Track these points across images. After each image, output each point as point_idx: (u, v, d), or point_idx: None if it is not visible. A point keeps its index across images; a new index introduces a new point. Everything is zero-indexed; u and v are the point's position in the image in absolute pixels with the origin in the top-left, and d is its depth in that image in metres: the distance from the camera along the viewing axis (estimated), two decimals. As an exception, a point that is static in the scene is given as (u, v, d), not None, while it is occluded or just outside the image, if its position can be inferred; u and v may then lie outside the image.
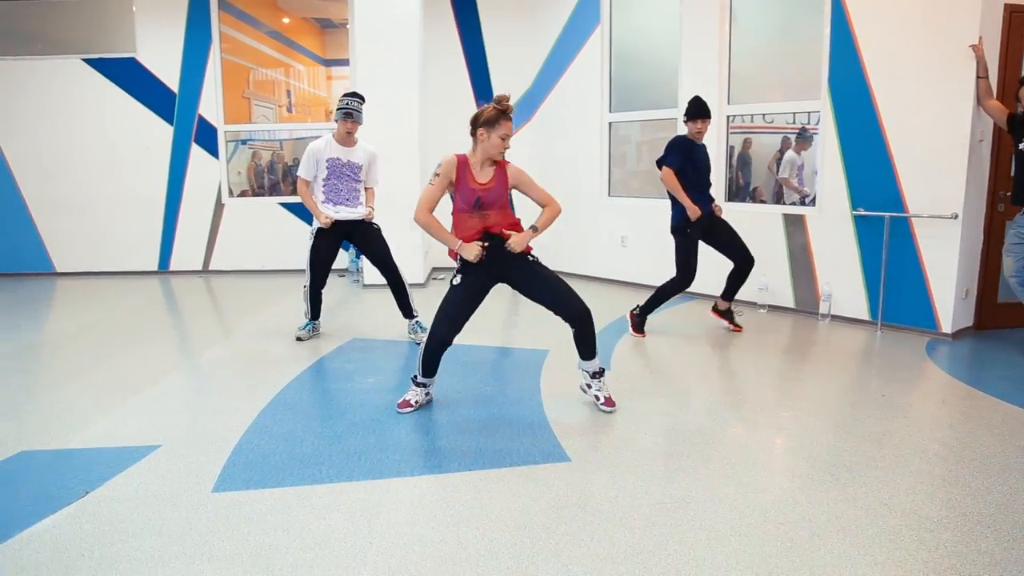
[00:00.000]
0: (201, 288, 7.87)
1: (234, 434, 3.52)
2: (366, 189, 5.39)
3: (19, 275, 8.59)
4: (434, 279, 7.98)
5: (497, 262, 3.70)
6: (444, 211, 3.83)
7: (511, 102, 3.66)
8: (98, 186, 8.51)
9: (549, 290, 3.70)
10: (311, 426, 3.65)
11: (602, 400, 3.84)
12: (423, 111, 7.57)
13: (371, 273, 7.18)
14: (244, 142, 9.48)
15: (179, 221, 8.60)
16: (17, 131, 8.43)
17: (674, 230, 5.26)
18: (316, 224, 5.23)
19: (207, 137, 8.45)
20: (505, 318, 6.14)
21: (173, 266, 8.68)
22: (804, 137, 7.29)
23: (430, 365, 3.80)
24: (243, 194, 8.98)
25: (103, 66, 8.33)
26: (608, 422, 3.67)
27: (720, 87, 6.46)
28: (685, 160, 5.13)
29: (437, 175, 3.70)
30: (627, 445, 3.38)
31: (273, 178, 9.44)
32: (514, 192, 3.85)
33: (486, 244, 3.66)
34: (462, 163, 3.70)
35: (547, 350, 4.97)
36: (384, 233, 5.41)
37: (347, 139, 5.17)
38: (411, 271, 7.13)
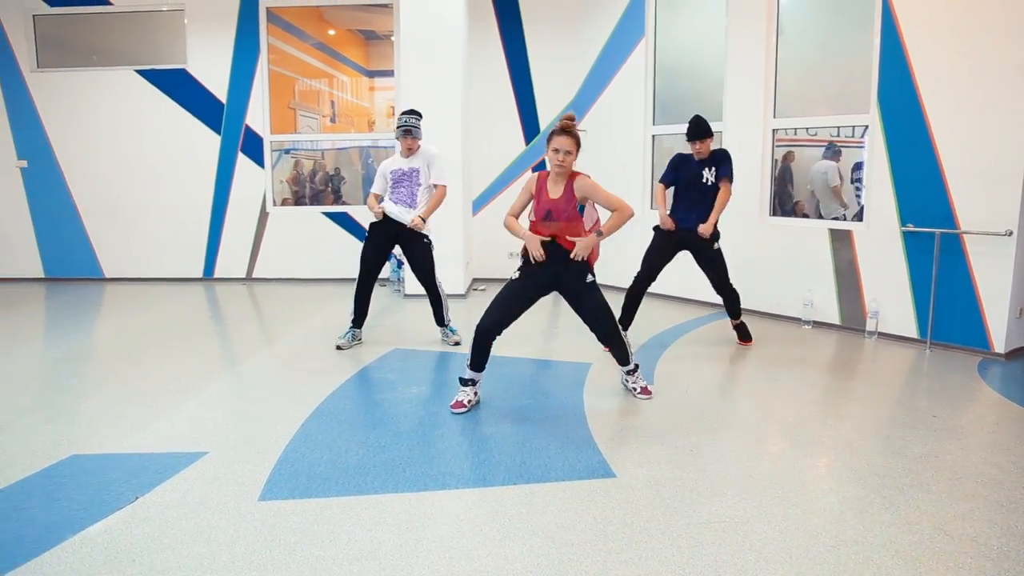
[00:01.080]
0: (244, 295, 7.99)
1: (279, 443, 3.56)
2: (435, 187, 5.47)
3: (70, 280, 8.82)
4: (475, 290, 8.00)
5: (556, 268, 3.98)
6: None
7: (575, 121, 4.02)
8: (147, 194, 8.71)
9: (590, 312, 4.11)
10: (355, 436, 3.67)
11: (638, 390, 4.27)
12: (466, 122, 7.61)
13: (412, 283, 7.22)
14: (288, 151, 9.66)
15: (224, 229, 8.75)
16: (72, 140, 8.67)
17: (654, 227, 5.43)
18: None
19: (253, 147, 8.58)
20: (546, 329, 6.13)
21: (218, 273, 8.83)
22: (833, 151, 7.20)
23: (477, 356, 3.99)
24: (284, 202, 9.11)
25: (155, 77, 8.53)
26: (653, 439, 3.64)
27: (766, 100, 6.40)
28: (675, 175, 5.35)
29: (523, 189, 4.14)
30: (672, 462, 3.34)
31: (315, 187, 9.57)
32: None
33: (546, 241, 3.96)
34: (541, 179, 4.03)
35: (590, 363, 4.95)
36: (430, 247, 5.52)
37: (408, 154, 5.39)
38: (452, 282, 7.16)
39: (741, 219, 6.63)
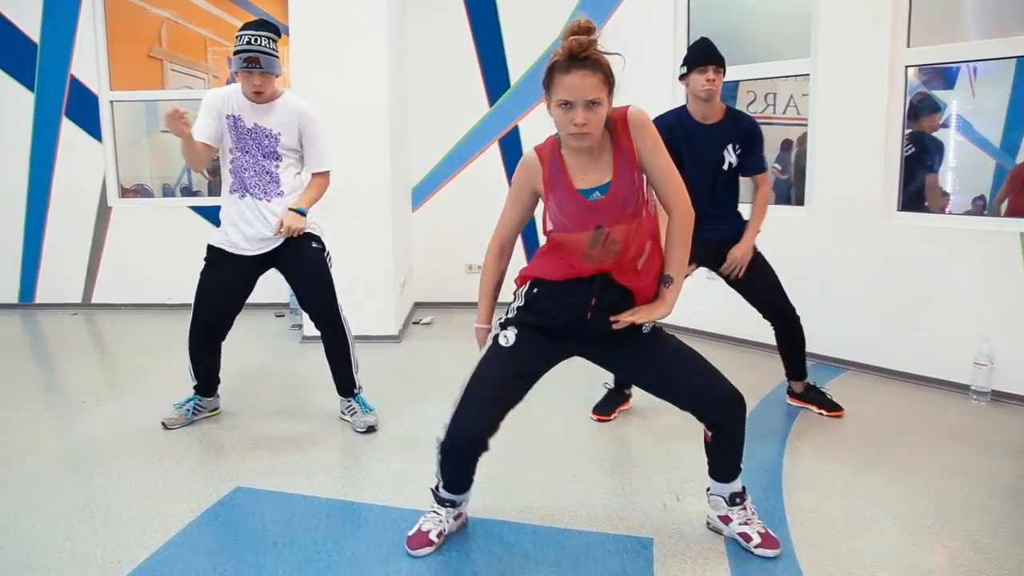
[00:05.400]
0: (78, 329, 5.25)
1: None
2: (313, 176, 3.22)
3: None
4: (416, 323, 5.30)
5: (588, 329, 2.14)
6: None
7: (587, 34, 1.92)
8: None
9: (675, 375, 2.18)
10: None
11: (756, 539, 2.21)
12: (395, 74, 4.93)
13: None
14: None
15: (47, 232, 5.89)
16: None
17: None
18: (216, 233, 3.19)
19: (83, 108, 5.73)
20: (557, 466, 3.46)
21: (40, 297, 5.97)
22: (926, 106, 4.63)
23: (456, 476, 2.24)
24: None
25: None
26: None
27: (896, 22, 3.81)
28: (676, 152, 2.74)
29: (511, 184, 2.21)
30: None
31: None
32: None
33: (593, 303, 2.10)
34: (550, 159, 2.08)
35: (651, 539, 2.31)
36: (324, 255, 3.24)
37: (259, 100, 3.03)
38: (378, 318, 4.51)
39: (848, 218, 4.06)
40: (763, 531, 2.24)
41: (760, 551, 2.20)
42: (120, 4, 5.99)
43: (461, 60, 5.66)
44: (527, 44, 5.59)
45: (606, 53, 1.94)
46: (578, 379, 3.67)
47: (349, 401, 3.30)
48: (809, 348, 3.41)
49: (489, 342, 2.19)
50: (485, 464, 2.21)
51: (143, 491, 2.64)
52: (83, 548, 2.24)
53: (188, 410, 3.27)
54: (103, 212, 5.89)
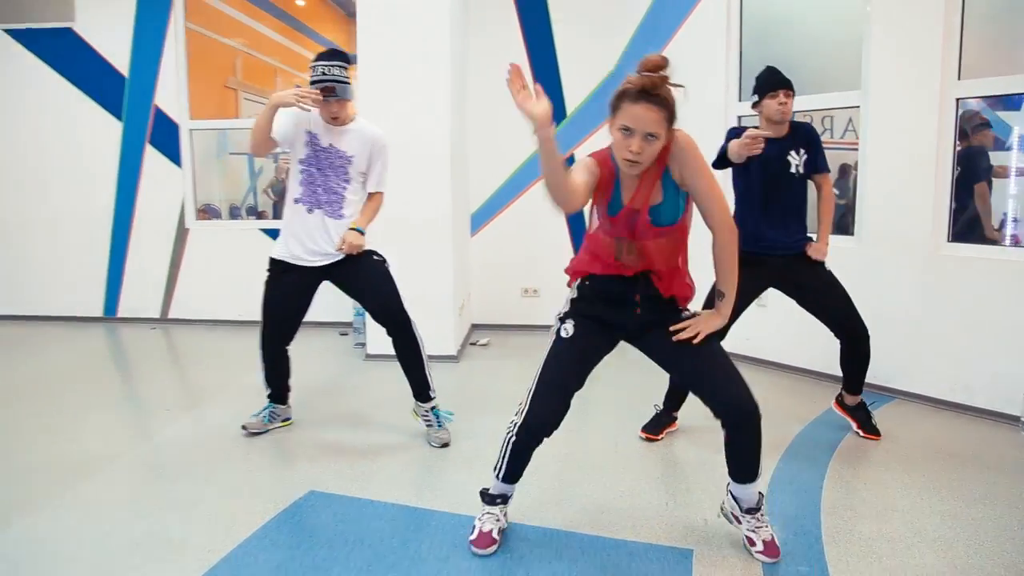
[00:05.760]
0: (156, 343, 5.63)
1: None
2: (370, 196, 3.46)
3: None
4: (473, 345, 5.52)
5: (635, 319, 2.40)
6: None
7: (659, 71, 2.14)
8: (26, 203, 6.29)
9: (710, 370, 2.34)
10: None
11: (759, 546, 2.39)
12: (458, 105, 5.18)
13: (377, 338, 4.78)
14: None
15: (129, 251, 6.31)
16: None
17: None
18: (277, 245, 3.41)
19: (166, 136, 6.14)
20: (576, 475, 3.63)
21: (122, 312, 6.38)
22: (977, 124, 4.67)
23: (515, 463, 2.45)
24: (261, 216, 6.83)
25: (31, 39, 6.12)
26: None
27: (946, 51, 3.91)
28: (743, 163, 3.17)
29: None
30: None
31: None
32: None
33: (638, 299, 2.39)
34: (608, 167, 2.29)
35: (691, 550, 2.46)
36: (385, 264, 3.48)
37: (333, 122, 3.28)
38: (437, 339, 4.71)
39: (897, 247, 4.14)
40: (768, 539, 2.39)
41: (760, 557, 2.37)
42: (199, 38, 6.42)
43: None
44: (583, 74, 5.80)
45: (672, 85, 2.13)
46: (630, 400, 3.84)
47: (427, 412, 3.47)
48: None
49: (552, 336, 2.43)
50: (540, 477, 2.41)
51: (227, 490, 2.90)
52: (179, 538, 2.50)
53: (264, 417, 3.53)
54: (181, 233, 6.27)
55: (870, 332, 3.38)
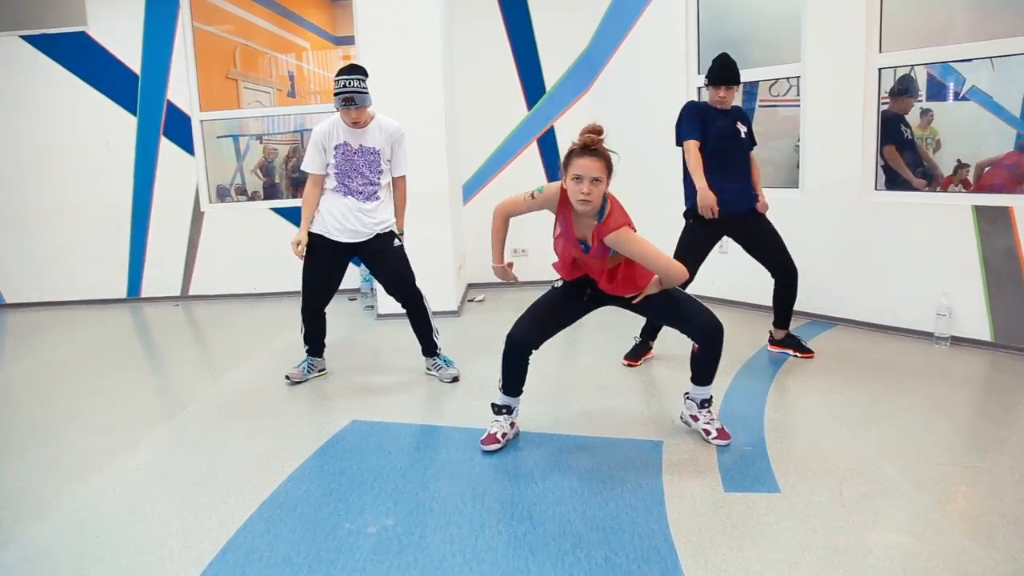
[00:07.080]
0: (178, 319, 6.22)
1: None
2: (395, 180, 4.10)
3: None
4: (471, 301, 6.17)
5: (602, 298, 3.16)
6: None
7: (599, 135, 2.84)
8: (49, 195, 6.84)
9: (677, 306, 3.07)
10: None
11: (714, 433, 3.13)
12: (448, 84, 5.76)
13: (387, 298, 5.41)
14: (259, 137, 7.90)
15: (150, 235, 6.89)
16: (-56, 130, 6.77)
17: (686, 213, 4.14)
18: (316, 221, 4.01)
19: (178, 128, 6.70)
20: (574, 379, 4.32)
21: (145, 292, 6.98)
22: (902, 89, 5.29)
23: (510, 373, 3.13)
24: (253, 196, 7.44)
25: (48, 44, 6.63)
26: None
27: (868, 26, 4.55)
28: (704, 129, 3.98)
29: (533, 197, 3.03)
30: None
31: (294, 176, 7.68)
32: None
33: (589, 292, 3.14)
34: (564, 199, 2.95)
35: (660, 441, 3.16)
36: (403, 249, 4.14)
37: (355, 127, 3.89)
38: (440, 296, 5.35)
39: (833, 197, 4.82)
40: (719, 428, 3.11)
41: (716, 441, 3.08)
42: (204, 35, 6.94)
43: (501, 69, 6.50)
44: (560, 53, 6.43)
45: (609, 151, 2.82)
46: (610, 337, 4.52)
47: (434, 359, 4.16)
48: (803, 308, 4.20)
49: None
50: (538, 396, 3.06)
51: (285, 424, 3.56)
52: (259, 456, 3.16)
53: (304, 368, 4.17)
54: (197, 216, 6.85)
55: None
